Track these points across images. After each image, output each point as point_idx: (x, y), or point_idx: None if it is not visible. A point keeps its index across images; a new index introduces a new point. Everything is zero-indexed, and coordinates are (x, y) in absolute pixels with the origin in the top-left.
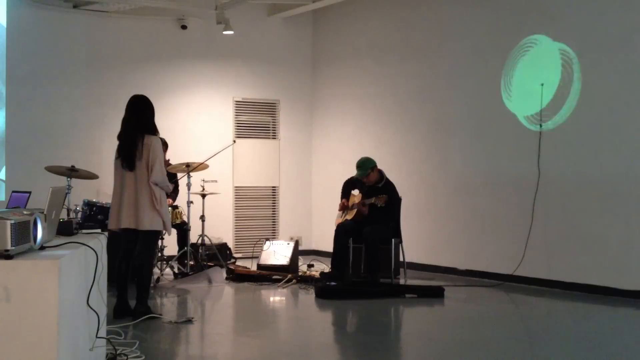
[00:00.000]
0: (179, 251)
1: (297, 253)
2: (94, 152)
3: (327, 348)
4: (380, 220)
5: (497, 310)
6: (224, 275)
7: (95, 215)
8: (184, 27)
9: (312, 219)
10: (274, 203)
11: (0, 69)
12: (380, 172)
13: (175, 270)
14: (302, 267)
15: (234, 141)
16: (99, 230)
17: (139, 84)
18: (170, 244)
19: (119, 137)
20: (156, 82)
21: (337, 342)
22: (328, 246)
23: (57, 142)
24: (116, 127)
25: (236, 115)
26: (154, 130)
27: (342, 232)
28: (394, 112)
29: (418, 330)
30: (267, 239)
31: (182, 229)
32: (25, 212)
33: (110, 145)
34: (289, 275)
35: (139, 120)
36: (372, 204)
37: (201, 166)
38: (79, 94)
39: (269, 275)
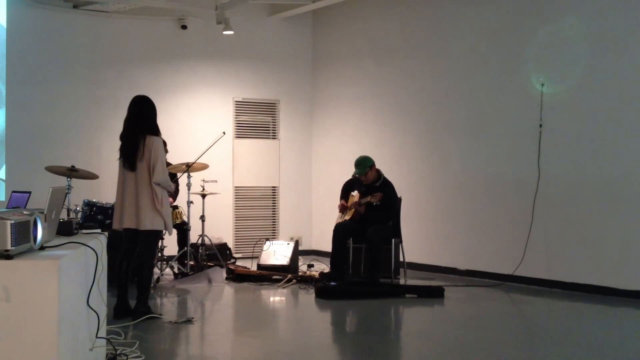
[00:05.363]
0: (179, 251)
1: (297, 253)
2: (94, 152)
3: (327, 348)
4: (377, 218)
5: (497, 310)
6: (224, 275)
7: (95, 215)
8: (184, 27)
9: (312, 219)
10: (274, 203)
11: (0, 68)
12: (378, 172)
13: (175, 270)
14: (302, 267)
15: (224, 133)
16: (99, 230)
17: (139, 84)
18: (170, 244)
19: (121, 137)
20: (156, 82)
21: (337, 342)
22: (328, 246)
23: (57, 142)
24: (116, 127)
25: (236, 115)
26: (155, 131)
27: (340, 232)
28: (394, 112)
29: (418, 330)
30: (267, 239)
31: (182, 229)
32: (25, 212)
33: (110, 145)
34: (289, 275)
35: (141, 120)
36: (367, 202)
37: (201, 166)
38: (79, 94)
39: (269, 275)
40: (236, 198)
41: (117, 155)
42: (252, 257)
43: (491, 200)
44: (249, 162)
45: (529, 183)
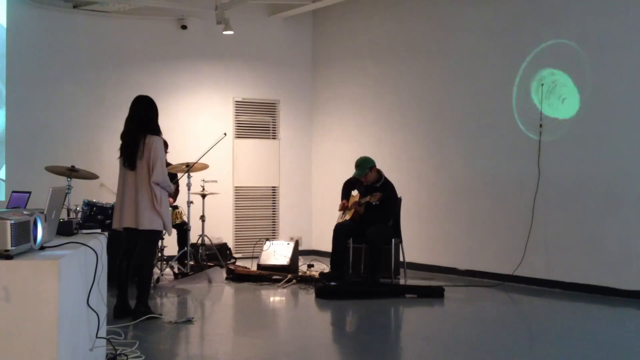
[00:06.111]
0: (179, 251)
1: (297, 253)
2: (94, 152)
3: (327, 348)
4: (377, 218)
5: (497, 310)
6: (224, 275)
7: (95, 215)
8: (184, 27)
9: (312, 219)
10: (274, 203)
11: (0, 68)
12: (379, 172)
13: (175, 270)
14: (302, 267)
15: (225, 134)
16: (99, 230)
17: (139, 84)
18: (170, 244)
19: (122, 136)
20: (156, 82)
21: (337, 342)
22: (328, 246)
23: (57, 142)
24: (116, 127)
25: (236, 115)
26: (156, 131)
27: (340, 232)
28: (394, 112)
29: (418, 330)
30: (267, 239)
31: (182, 229)
32: (25, 212)
33: (110, 145)
34: (289, 276)
35: (142, 120)
36: (367, 202)
37: (201, 166)
38: (79, 94)
39: (269, 275)
40: (236, 198)
41: (118, 155)
42: (252, 257)
43: (491, 200)
44: (249, 162)
45: (529, 183)
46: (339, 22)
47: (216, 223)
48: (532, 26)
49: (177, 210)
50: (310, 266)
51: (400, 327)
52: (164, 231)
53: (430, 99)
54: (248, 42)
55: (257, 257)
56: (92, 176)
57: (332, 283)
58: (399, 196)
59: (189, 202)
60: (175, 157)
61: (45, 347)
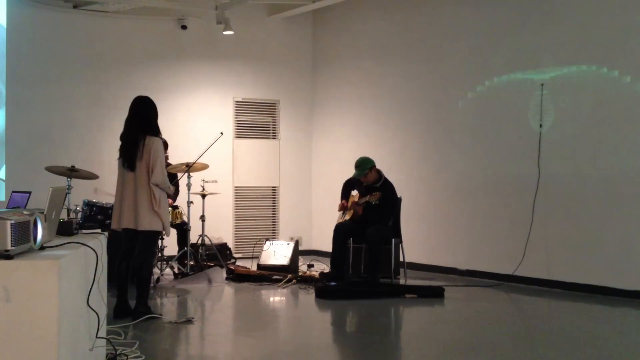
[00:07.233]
0: (179, 251)
1: (297, 253)
2: (94, 152)
3: (327, 348)
4: (376, 218)
5: (497, 310)
6: (224, 275)
7: (95, 216)
8: (184, 27)
9: (312, 219)
10: (274, 203)
11: (0, 68)
12: (379, 172)
13: (175, 270)
14: (302, 267)
15: (222, 133)
16: (99, 230)
17: (139, 84)
18: (170, 244)
19: (122, 137)
20: (156, 82)
21: (337, 342)
22: (328, 246)
23: (57, 142)
24: (116, 127)
25: (236, 115)
26: (156, 132)
27: (340, 232)
28: (393, 112)
29: (418, 330)
30: (267, 239)
31: (182, 229)
32: (25, 212)
33: (110, 145)
34: (289, 275)
35: (141, 121)
36: (366, 202)
37: (201, 166)
38: (79, 94)
39: (269, 275)
40: (236, 198)
41: (118, 155)
42: (252, 257)
43: (491, 200)
44: (249, 162)
45: (529, 183)
46: (339, 22)
47: (216, 223)
48: (531, 26)
49: (177, 210)
50: (310, 266)
51: (400, 327)
52: (163, 231)
53: (430, 99)
54: (248, 42)
55: (257, 257)
56: (92, 176)
57: (332, 283)
58: (398, 196)
59: (189, 202)
60: (175, 157)
61: (45, 347)
